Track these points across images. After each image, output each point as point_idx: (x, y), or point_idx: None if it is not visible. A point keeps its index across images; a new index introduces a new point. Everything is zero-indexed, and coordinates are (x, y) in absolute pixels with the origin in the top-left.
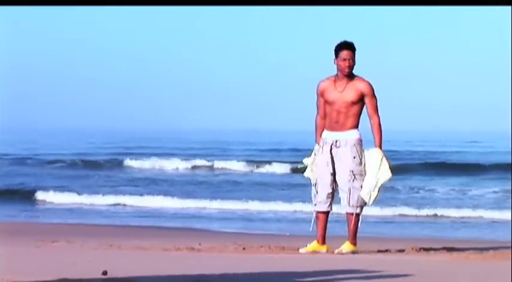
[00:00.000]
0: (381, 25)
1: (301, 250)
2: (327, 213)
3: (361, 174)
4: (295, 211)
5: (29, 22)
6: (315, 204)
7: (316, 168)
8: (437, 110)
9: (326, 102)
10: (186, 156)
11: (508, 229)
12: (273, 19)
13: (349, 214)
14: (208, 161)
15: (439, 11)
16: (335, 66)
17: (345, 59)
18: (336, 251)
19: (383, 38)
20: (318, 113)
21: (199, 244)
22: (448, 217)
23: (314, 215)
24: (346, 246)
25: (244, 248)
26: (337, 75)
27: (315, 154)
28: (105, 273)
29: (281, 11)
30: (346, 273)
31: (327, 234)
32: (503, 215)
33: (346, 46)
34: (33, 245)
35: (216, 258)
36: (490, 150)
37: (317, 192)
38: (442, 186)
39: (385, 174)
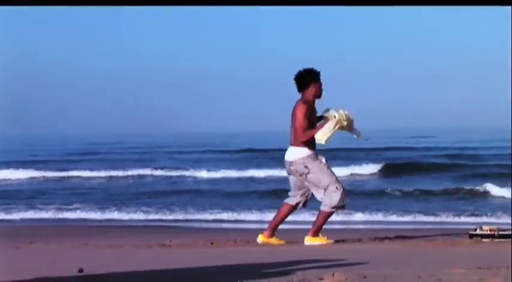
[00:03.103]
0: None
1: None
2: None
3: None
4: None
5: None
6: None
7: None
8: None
9: (314, 122)
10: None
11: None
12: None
13: (327, 212)
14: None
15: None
16: (308, 91)
17: (322, 85)
18: (306, 244)
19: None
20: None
21: (170, 240)
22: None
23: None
24: (312, 239)
25: (212, 243)
26: (314, 98)
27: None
28: (81, 270)
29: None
30: (305, 263)
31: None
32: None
33: (319, 73)
34: (12, 246)
35: (186, 253)
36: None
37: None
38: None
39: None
